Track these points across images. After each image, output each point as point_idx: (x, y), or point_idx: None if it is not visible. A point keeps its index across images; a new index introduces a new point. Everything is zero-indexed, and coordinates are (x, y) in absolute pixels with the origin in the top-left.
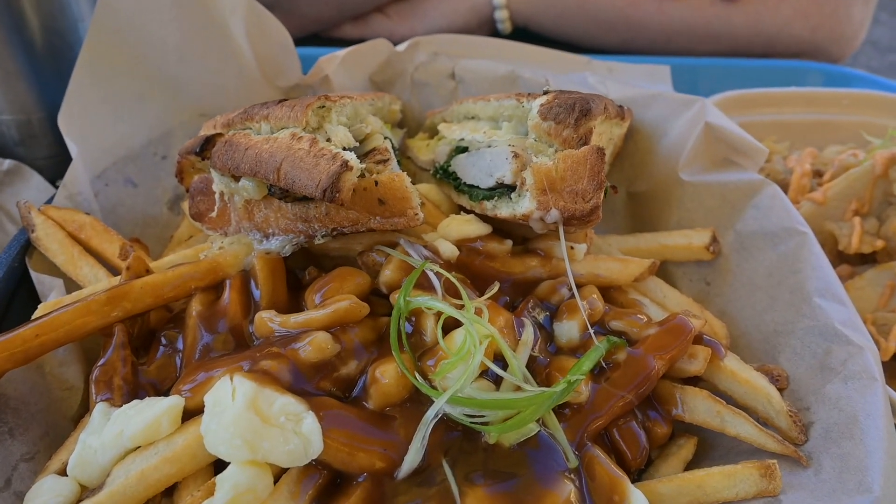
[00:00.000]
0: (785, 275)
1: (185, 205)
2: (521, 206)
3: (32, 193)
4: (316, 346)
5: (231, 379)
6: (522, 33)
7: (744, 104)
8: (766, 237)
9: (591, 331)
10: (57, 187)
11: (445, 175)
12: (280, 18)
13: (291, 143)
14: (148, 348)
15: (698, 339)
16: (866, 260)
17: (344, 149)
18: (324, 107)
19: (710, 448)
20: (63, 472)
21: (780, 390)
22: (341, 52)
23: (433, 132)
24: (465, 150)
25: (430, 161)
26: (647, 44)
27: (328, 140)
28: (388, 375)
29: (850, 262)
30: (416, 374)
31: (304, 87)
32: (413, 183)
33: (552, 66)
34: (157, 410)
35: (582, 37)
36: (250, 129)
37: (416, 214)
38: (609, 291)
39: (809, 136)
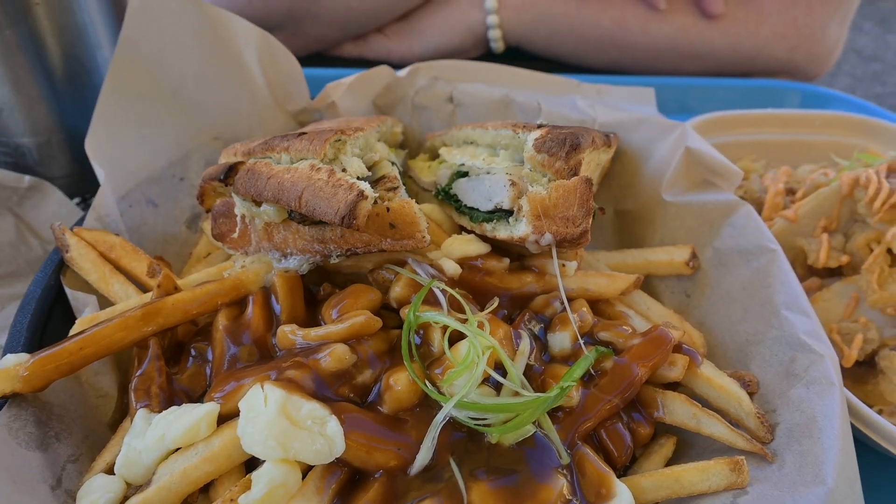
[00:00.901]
0: (757, 289)
1: (205, 225)
2: (518, 229)
3: (53, 208)
4: (335, 357)
5: (262, 387)
6: (515, 52)
7: (724, 125)
8: (740, 254)
9: (581, 341)
10: (75, 202)
11: (447, 197)
12: (285, 38)
13: (311, 174)
14: (178, 359)
15: (678, 349)
16: (833, 273)
17: (358, 178)
18: (340, 140)
19: (688, 447)
20: (108, 472)
21: (751, 394)
22: (347, 80)
23: (433, 153)
24: (465, 174)
25: (432, 183)
26: (635, 62)
27: (344, 170)
28: (400, 383)
29: (818, 275)
30: (426, 382)
31: (311, 110)
32: (416, 201)
33: (544, 89)
34: (195, 416)
35: (571, 55)
36: (270, 158)
37: (424, 237)
38: (598, 304)
39: (785, 155)
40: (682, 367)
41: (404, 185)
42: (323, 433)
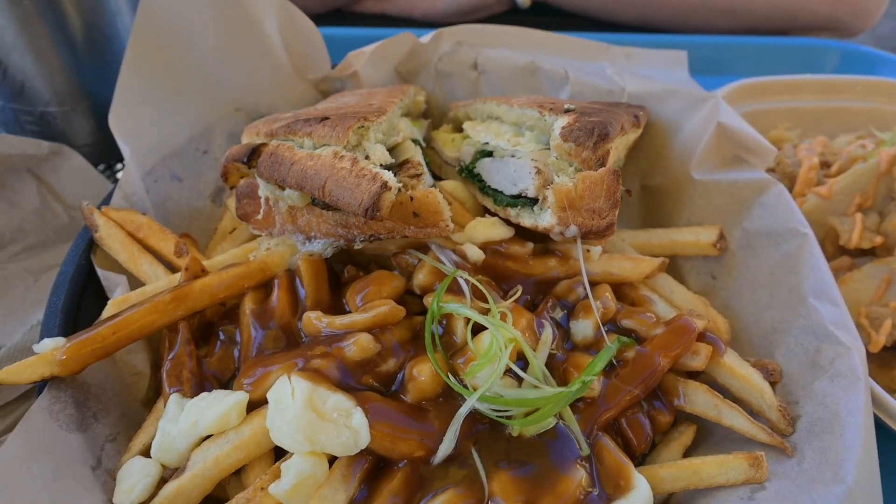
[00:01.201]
0: (785, 274)
1: (230, 201)
2: (543, 219)
3: (74, 174)
4: (360, 346)
5: (289, 378)
6: (541, 7)
7: (758, 92)
8: (770, 236)
9: (604, 329)
10: (100, 169)
11: (470, 175)
12: None
13: (334, 162)
14: (207, 339)
15: (701, 337)
16: (866, 253)
17: (381, 166)
18: (363, 126)
19: (708, 435)
20: (144, 454)
21: (774, 384)
22: (369, 48)
23: (457, 124)
24: (489, 153)
25: (456, 158)
26: (666, 19)
27: (367, 157)
28: (423, 374)
29: (850, 254)
30: (449, 374)
31: (332, 79)
32: (438, 176)
33: (572, 54)
34: (226, 404)
35: (600, 11)
36: (293, 141)
37: (448, 226)
38: (621, 287)
39: (823, 122)
40: (704, 357)
41: (426, 158)
42: (349, 425)
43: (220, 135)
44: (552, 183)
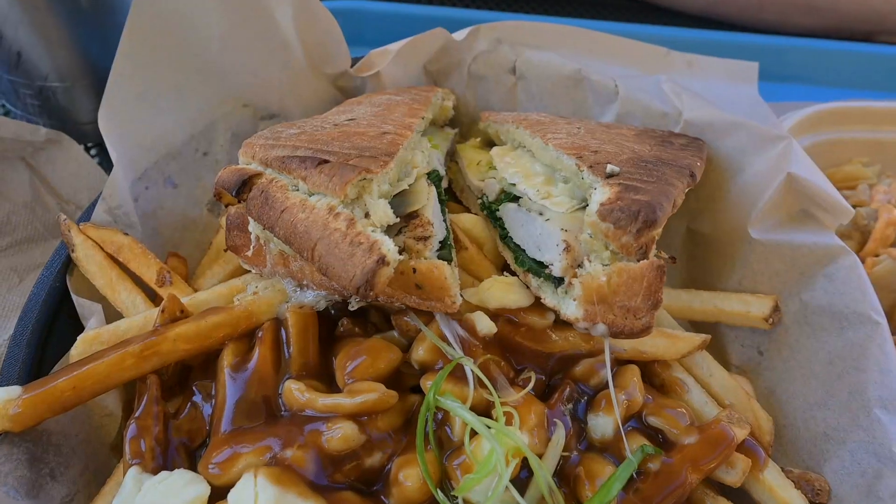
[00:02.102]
0: (847, 369)
1: (223, 220)
2: (567, 308)
3: (71, 165)
4: (342, 437)
5: (255, 478)
6: None
7: (836, 119)
8: (833, 317)
9: (624, 430)
10: (91, 152)
11: (492, 216)
12: None
13: (328, 221)
14: (183, 386)
15: (740, 444)
16: None
17: (382, 226)
18: (365, 179)
19: None
20: None
21: None
22: (394, 46)
23: (486, 139)
24: (516, 198)
25: (479, 188)
26: (736, 10)
27: (366, 215)
28: (410, 479)
29: None
30: (440, 485)
31: (351, 76)
32: (458, 199)
33: (625, 59)
34: (185, 499)
35: None
36: (288, 179)
37: (454, 303)
38: (652, 365)
39: None
40: (742, 472)
41: (448, 173)
42: None
43: (223, 133)
44: (581, 266)
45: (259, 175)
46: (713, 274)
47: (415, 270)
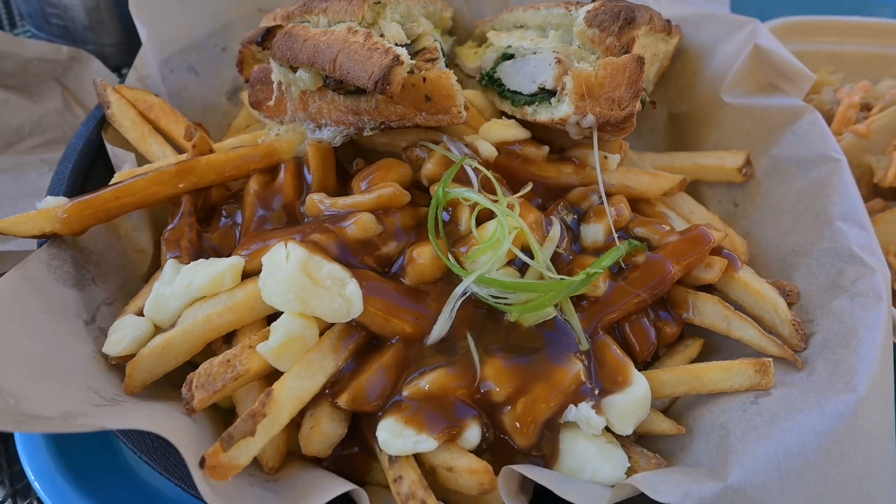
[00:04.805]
0: (812, 199)
1: (244, 95)
2: (560, 110)
3: (94, 77)
4: (361, 225)
5: (286, 245)
6: None
7: (801, 31)
8: (800, 163)
9: (615, 235)
10: (120, 74)
11: (490, 81)
12: None
13: (347, 37)
14: (210, 220)
15: (717, 251)
16: None
17: (396, 45)
18: (379, 2)
19: (715, 351)
20: (139, 314)
21: (790, 304)
22: None
23: (482, 41)
24: (511, 56)
25: (477, 68)
26: None
27: (382, 35)
28: (423, 256)
29: (883, 195)
30: (449, 257)
31: None
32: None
33: None
34: (221, 267)
35: None
36: (309, 21)
37: (460, 112)
38: (637, 203)
39: (866, 69)
40: (718, 270)
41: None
42: (342, 293)
43: (239, 33)
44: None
45: (281, 26)
46: (692, 141)
47: (424, 80)
